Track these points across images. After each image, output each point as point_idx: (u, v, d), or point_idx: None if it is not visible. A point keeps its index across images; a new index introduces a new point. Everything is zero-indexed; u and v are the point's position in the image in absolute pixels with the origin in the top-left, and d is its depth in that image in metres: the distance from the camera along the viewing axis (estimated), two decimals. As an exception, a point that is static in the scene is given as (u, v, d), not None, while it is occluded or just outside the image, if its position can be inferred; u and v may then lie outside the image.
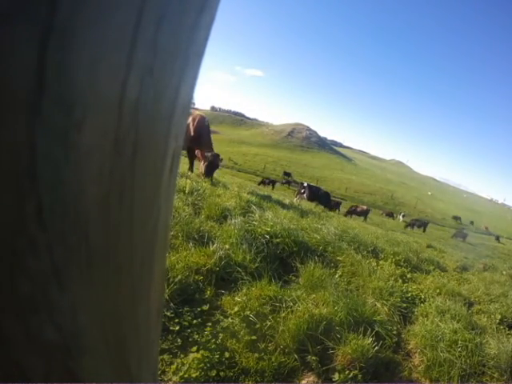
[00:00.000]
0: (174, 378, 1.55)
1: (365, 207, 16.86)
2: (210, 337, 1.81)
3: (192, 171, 6.15)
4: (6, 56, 0.15)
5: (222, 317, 2.00)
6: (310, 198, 12.90)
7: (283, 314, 2.05)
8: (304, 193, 13.91)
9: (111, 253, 0.23)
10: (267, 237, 2.85)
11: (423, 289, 2.97)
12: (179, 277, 2.10)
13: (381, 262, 3.33)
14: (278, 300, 2.18)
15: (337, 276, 2.77)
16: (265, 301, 2.15)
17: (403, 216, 28.60)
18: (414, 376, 2.00)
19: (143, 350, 0.31)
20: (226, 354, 1.73)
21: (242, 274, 2.36)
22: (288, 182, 30.14)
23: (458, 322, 2.35)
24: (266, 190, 10.88)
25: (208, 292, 2.17)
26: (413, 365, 2.07)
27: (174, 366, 1.60)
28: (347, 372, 1.82)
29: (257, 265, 2.52)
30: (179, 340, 1.76)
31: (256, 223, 3.05)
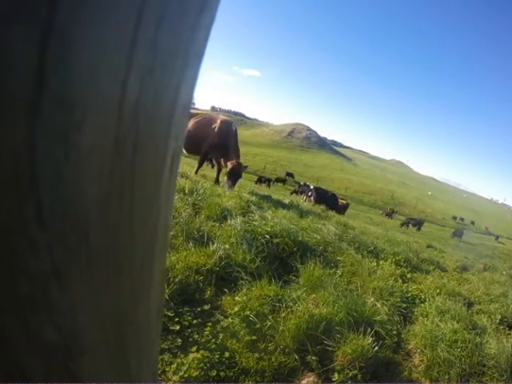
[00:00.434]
0: (174, 378, 1.54)
1: (345, 202, 16.52)
2: (210, 337, 1.81)
3: (214, 179, 5.81)
4: (6, 56, 0.15)
5: (222, 317, 2.00)
6: (318, 201, 12.93)
7: (283, 314, 2.05)
8: (311, 195, 13.96)
9: (111, 253, 0.23)
10: (267, 237, 2.84)
11: (423, 289, 2.97)
12: (179, 277, 2.10)
13: (381, 262, 3.33)
14: (278, 300, 2.18)
15: (337, 276, 2.76)
16: (265, 301, 2.15)
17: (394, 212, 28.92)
18: (414, 376, 2.00)
19: (143, 350, 0.31)
20: (226, 354, 1.73)
21: (242, 273, 2.36)
22: (283, 181, 31.46)
23: (457, 322, 2.35)
24: (265, 190, 10.88)
25: (208, 292, 2.17)
26: (413, 365, 2.07)
27: (173, 366, 1.60)
28: (347, 372, 1.81)
29: (257, 265, 2.52)
30: (179, 340, 1.76)
31: (256, 223, 3.05)
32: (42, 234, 0.18)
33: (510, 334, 2.48)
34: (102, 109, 0.20)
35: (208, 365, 1.63)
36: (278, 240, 2.88)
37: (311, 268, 2.63)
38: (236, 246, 2.64)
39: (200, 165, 6.05)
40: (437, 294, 2.88)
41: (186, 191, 3.45)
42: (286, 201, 5.73)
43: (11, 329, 0.19)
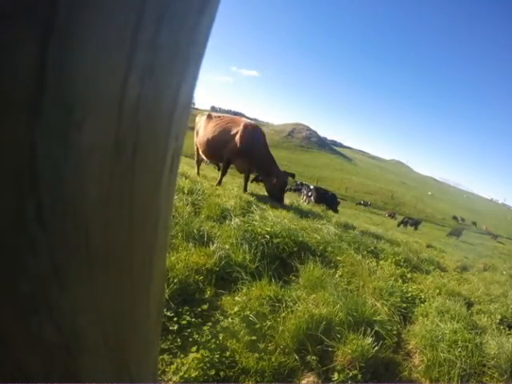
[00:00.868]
0: (174, 378, 1.54)
1: (330, 192, 16.49)
2: (210, 337, 1.81)
3: (245, 190, 5.13)
4: (7, 56, 0.15)
5: (221, 317, 2.00)
6: (318, 201, 12.94)
7: (283, 314, 2.05)
8: (311, 196, 13.96)
9: (111, 253, 0.23)
10: (267, 237, 2.84)
11: (423, 289, 2.97)
12: (179, 277, 2.10)
13: (381, 262, 3.33)
14: (278, 300, 2.18)
15: (337, 276, 2.77)
16: (265, 301, 2.15)
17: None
18: (414, 376, 2.00)
19: (143, 350, 0.31)
20: (226, 354, 1.73)
21: (242, 273, 2.36)
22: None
23: (457, 322, 2.35)
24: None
25: (208, 292, 2.17)
26: (413, 365, 2.07)
27: (173, 366, 1.60)
28: (347, 372, 1.81)
29: (257, 265, 2.52)
30: (179, 340, 1.76)
31: (256, 223, 3.05)
32: (42, 233, 0.18)
33: (510, 333, 2.48)
34: (101, 109, 0.19)
35: (208, 365, 1.63)
36: (277, 240, 2.88)
37: (311, 268, 2.63)
38: (236, 245, 2.64)
39: (223, 173, 5.34)
40: (437, 294, 2.88)
41: (186, 191, 3.45)
42: (286, 201, 5.72)
43: (11, 328, 0.19)
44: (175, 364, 1.61)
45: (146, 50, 0.21)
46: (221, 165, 5.62)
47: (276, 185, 4.94)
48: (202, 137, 5.34)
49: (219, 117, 5.47)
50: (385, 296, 2.53)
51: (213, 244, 2.55)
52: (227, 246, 2.57)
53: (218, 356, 1.69)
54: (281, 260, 2.77)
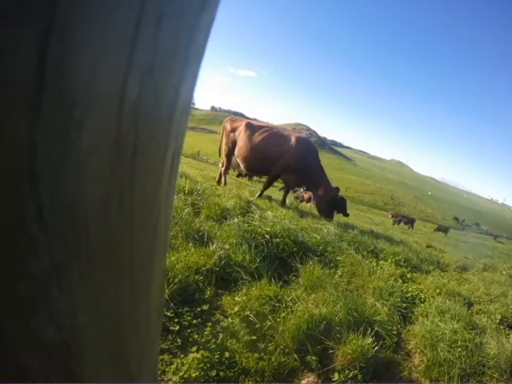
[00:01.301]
0: (174, 378, 1.54)
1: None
2: (210, 337, 1.81)
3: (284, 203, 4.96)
4: (6, 56, 0.15)
5: (221, 317, 2.00)
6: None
7: (283, 314, 2.05)
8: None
9: (111, 253, 0.23)
10: (267, 237, 2.84)
11: (423, 289, 2.97)
12: (179, 277, 2.10)
13: (381, 262, 3.33)
14: (278, 300, 2.18)
15: (337, 276, 2.76)
16: (265, 301, 2.15)
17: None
18: (414, 376, 2.00)
19: (143, 349, 0.31)
20: (226, 354, 1.73)
21: (242, 273, 2.36)
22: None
23: (457, 322, 2.35)
24: (262, 189, 10.85)
25: (208, 292, 2.17)
26: (413, 365, 2.07)
27: (173, 366, 1.60)
28: (347, 372, 1.81)
29: (257, 265, 2.52)
30: (179, 340, 1.76)
31: (256, 223, 3.05)
32: (42, 234, 0.18)
33: (510, 333, 2.48)
34: (102, 109, 0.19)
35: (208, 365, 1.63)
36: (277, 240, 2.88)
37: (311, 268, 2.63)
38: (236, 245, 2.64)
39: (267, 187, 5.22)
40: (437, 294, 2.87)
41: (186, 191, 3.45)
42: (287, 201, 5.72)
43: (12, 329, 0.19)
44: (175, 364, 1.61)
45: (145, 49, 0.21)
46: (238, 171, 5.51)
47: (323, 197, 4.79)
48: (244, 149, 5.07)
49: (263, 127, 5.21)
50: (385, 296, 2.53)
51: (213, 244, 2.55)
52: (227, 246, 2.57)
53: (217, 356, 1.69)
54: (281, 260, 2.77)
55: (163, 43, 0.22)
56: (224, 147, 5.47)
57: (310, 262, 2.71)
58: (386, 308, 2.42)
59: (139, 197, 0.24)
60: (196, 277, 2.22)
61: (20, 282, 0.18)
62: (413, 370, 2.03)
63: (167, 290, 1.97)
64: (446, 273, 3.79)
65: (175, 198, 2.89)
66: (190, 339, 1.79)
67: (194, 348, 1.72)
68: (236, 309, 2.05)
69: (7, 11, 0.15)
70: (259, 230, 2.91)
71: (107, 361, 0.26)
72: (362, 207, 32.62)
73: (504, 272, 4.51)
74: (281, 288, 2.33)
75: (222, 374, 1.64)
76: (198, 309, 2.01)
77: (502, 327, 2.57)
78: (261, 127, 5.19)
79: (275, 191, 14.73)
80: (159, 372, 1.55)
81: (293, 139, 4.91)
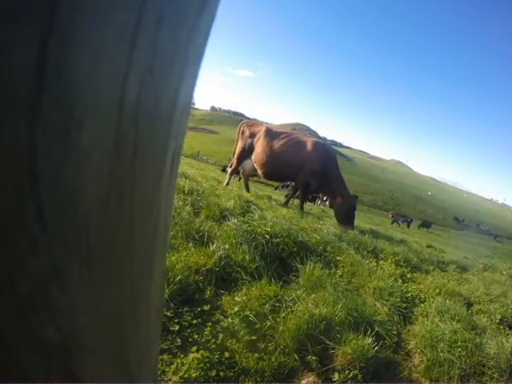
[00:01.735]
0: (174, 378, 1.54)
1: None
2: (210, 337, 1.81)
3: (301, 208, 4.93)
4: (6, 56, 0.15)
5: (221, 317, 2.00)
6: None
7: (283, 314, 2.05)
8: (326, 200, 13.84)
9: (111, 253, 0.23)
10: (267, 237, 2.84)
11: (423, 289, 2.97)
12: (179, 277, 2.10)
13: (381, 262, 3.33)
14: (278, 300, 2.18)
15: (337, 276, 2.76)
16: (265, 301, 2.15)
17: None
18: (414, 376, 2.00)
19: (143, 349, 0.31)
20: (226, 354, 1.73)
21: (242, 273, 2.36)
22: None
23: (457, 322, 2.35)
24: (266, 190, 10.90)
25: (208, 292, 2.16)
26: (413, 365, 2.07)
27: (173, 366, 1.60)
28: (347, 372, 1.81)
29: (257, 265, 2.51)
30: (179, 340, 1.76)
31: (256, 223, 3.05)
32: (42, 233, 0.18)
33: (509, 333, 2.48)
34: (101, 109, 0.20)
35: (208, 365, 1.63)
36: (277, 240, 2.88)
37: (311, 268, 2.63)
38: (236, 246, 2.64)
39: (304, 199, 5.20)
40: (437, 294, 2.87)
41: (186, 191, 3.45)
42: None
43: (11, 329, 0.19)
44: (175, 364, 1.61)
45: (145, 49, 0.21)
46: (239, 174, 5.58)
47: (342, 206, 4.75)
48: (263, 155, 5.09)
49: (282, 133, 5.22)
50: (385, 296, 2.53)
51: (213, 244, 2.55)
52: (227, 246, 2.57)
53: (217, 356, 1.69)
54: (280, 260, 2.77)
55: (163, 43, 0.22)
56: (238, 150, 5.53)
57: (310, 262, 2.71)
58: (385, 308, 2.42)
59: (139, 197, 0.24)
60: (196, 277, 2.22)
61: (20, 281, 0.18)
62: (413, 370, 2.03)
63: (167, 290, 1.97)
64: (445, 273, 3.79)
65: (175, 197, 2.89)
66: (190, 339, 1.79)
67: (194, 348, 1.72)
68: (236, 309, 2.05)
69: (7, 11, 0.15)
70: (259, 230, 2.91)
71: (107, 361, 0.26)
72: (362, 207, 32.60)
73: (504, 272, 4.51)
74: (281, 288, 2.33)
75: (221, 373, 1.64)
76: (198, 309, 2.01)
77: (501, 327, 2.57)
78: (280, 133, 5.23)
79: (275, 191, 14.73)
80: (159, 372, 1.55)
81: (308, 144, 4.98)
